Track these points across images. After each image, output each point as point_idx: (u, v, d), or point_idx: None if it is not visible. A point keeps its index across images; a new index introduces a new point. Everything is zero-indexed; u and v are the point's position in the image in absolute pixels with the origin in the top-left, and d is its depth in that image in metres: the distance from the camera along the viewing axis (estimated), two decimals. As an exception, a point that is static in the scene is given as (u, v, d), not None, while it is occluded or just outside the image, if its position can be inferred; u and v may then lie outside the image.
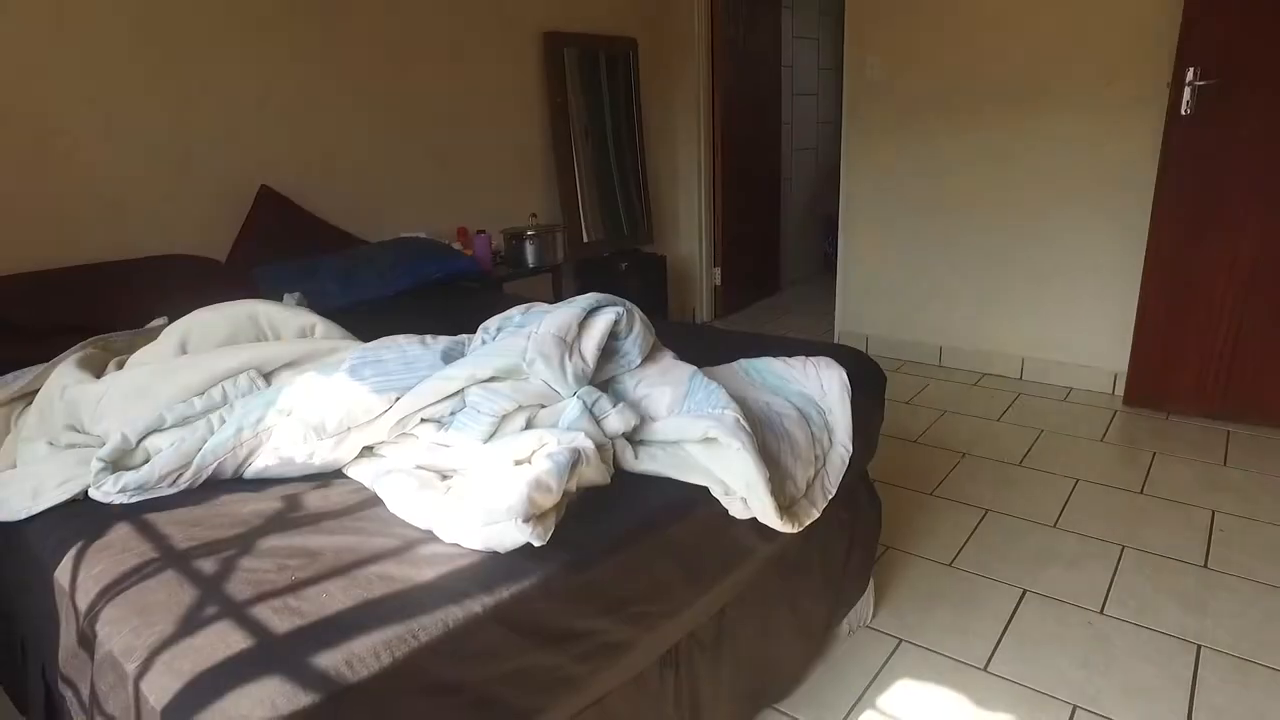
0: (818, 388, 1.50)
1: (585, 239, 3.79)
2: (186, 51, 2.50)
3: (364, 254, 2.67)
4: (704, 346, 1.92)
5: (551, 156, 3.65)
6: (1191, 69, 2.81)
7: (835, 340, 4.10)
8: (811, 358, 1.55)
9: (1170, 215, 2.96)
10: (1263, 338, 2.90)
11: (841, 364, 1.74)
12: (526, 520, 1.01)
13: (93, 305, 2.11)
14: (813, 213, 5.77)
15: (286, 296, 2.18)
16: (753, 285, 5.06)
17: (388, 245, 2.75)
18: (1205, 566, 2.12)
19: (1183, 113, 2.85)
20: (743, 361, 1.58)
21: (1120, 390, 3.32)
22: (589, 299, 1.32)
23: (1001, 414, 3.20)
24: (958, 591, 2.06)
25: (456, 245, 3.12)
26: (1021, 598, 2.02)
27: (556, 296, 3.35)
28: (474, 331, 1.42)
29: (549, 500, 1.05)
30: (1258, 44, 2.72)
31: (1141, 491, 2.54)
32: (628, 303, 1.36)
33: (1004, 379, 3.59)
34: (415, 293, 2.63)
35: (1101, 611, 1.96)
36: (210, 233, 2.63)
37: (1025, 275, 3.46)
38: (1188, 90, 2.83)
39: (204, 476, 1.24)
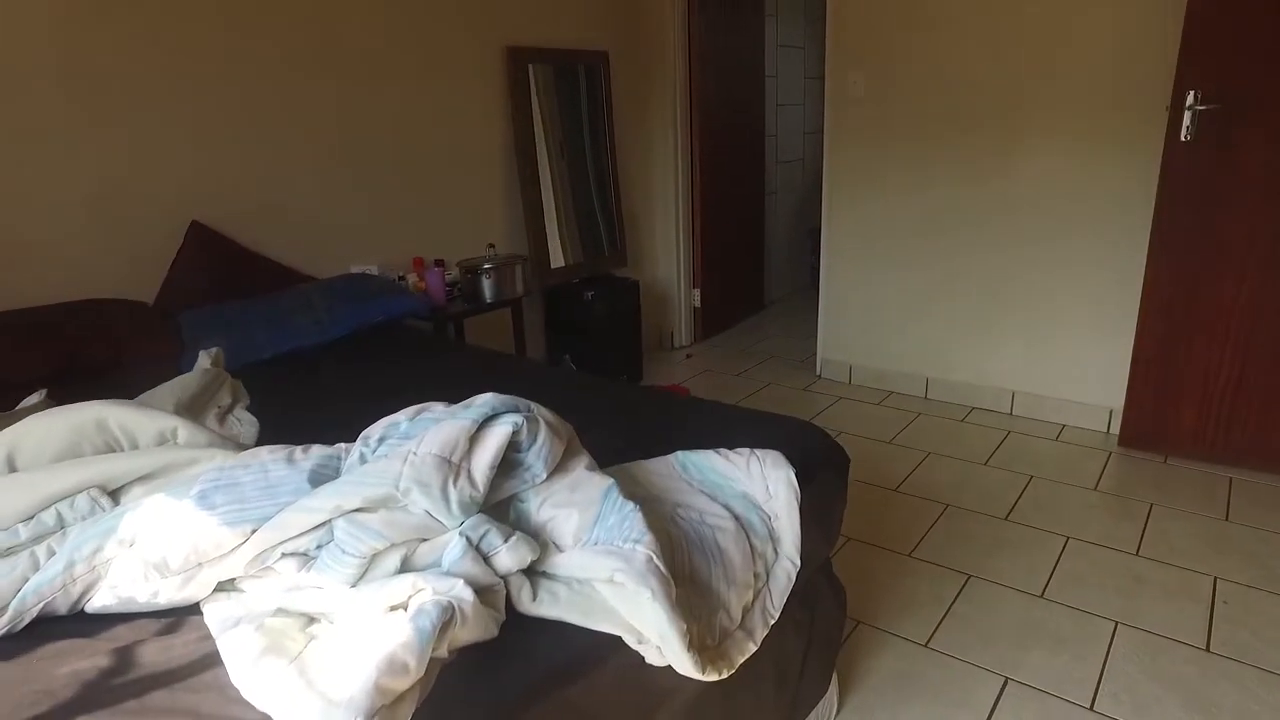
0: (763, 489, 1.31)
1: (553, 265, 3.60)
2: (108, 73, 2.31)
3: (301, 296, 2.48)
4: (646, 416, 1.73)
5: (516, 178, 3.45)
6: (1192, 92, 2.62)
7: (818, 371, 3.92)
8: (758, 452, 1.36)
9: (1169, 245, 2.77)
10: (1267, 377, 2.71)
11: (801, 443, 1.55)
12: (373, 716, 0.82)
13: (-16, 366, 1.92)
14: (799, 225, 5.58)
15: (202, 354, 1.98)
16: (735, 304, 4.87)
17: (327, 285, 2.56)
18: (1208, 650, 1.93)
19: (1183, 139, 2.66)
20: (680, 455, 1.39)
21: (1116, 429, 3.13)
22: (485, 403, 1.13)
23: (989, 456, 3.01)
24: (933, 679, 1.87)
25: (411, 277, 2.93)
26: (1003, 688, 1.84)
27: (517, 335, 3.16)
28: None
29: (405, 682, 0.86)
30: (1263, 67, 2.52)
31: (1137, 553, 2.35)
32: (533, 406, 1.17)
33: (994, 414, 3.40)
34: (356, 338, 2.44)
35: (1091, 707, 1.77)
36: (139, 273, 2.44)
37: (1017, 305, 3.27)
38: (1188, 115, 2.63)
39: (26, 620, 1.06)
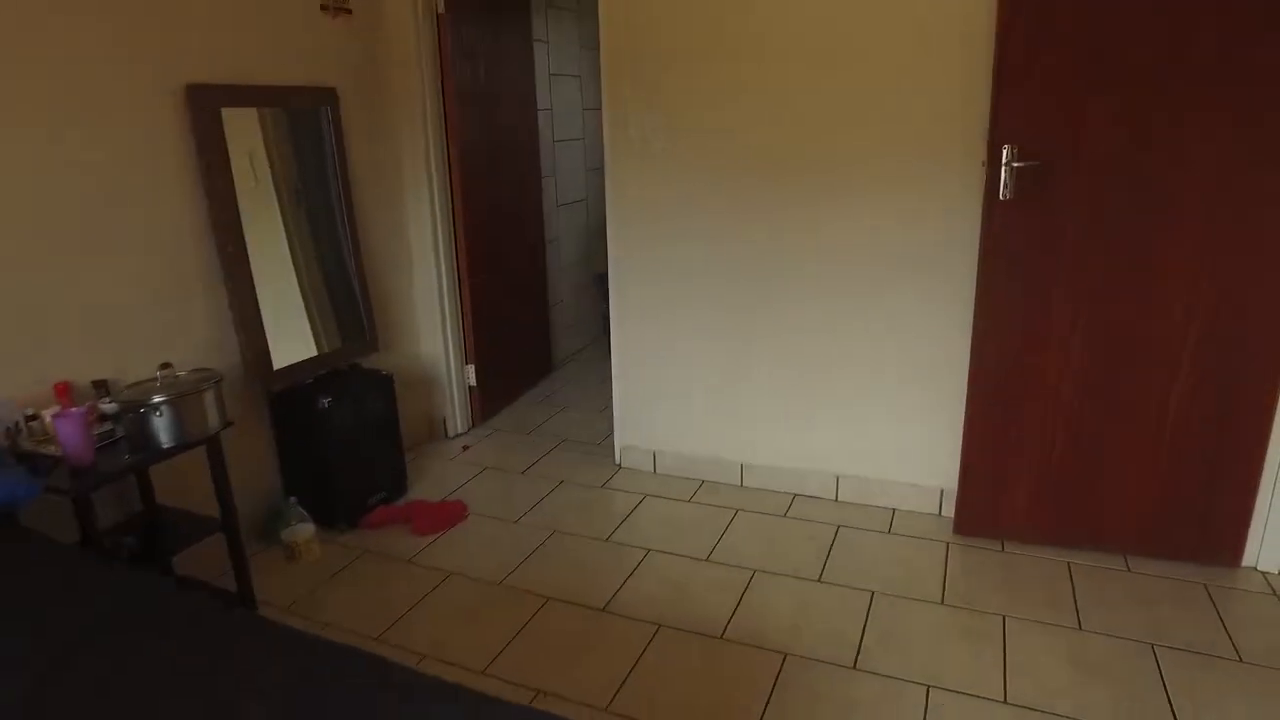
0: None
1: (278, 365, 2.79)
2: None
3: None
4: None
5: (216, 258, 2.62)
6: (1006, 148, 2.31)
7: (617, 459, 3.37)
8: None
9: (993, 311, 2.47)
10: (1096, 450, 2.47)
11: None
12: None
13: None
14: (586, 272, 5.04)
15: None
16: (519, 374, 4.24)
17: None
18: None
19: (1002, 197, 2.35)
20: None
21: (948, 510, 2.82)
22: None
23: (823, 567, 2.57)
24: None
25: (48, 414, 2.04)
26: None
27: (217, 482, 2.30)
28: None
29: None
30: (1078, 119, 2.25)
31: (1005, 699, 1.96)
32: None
33: (819, 503, 2.99)
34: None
35: None
36: None
37: (837, 377, 2.88)
38: (1004, 172, 2.32)
39: None
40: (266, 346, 2.76)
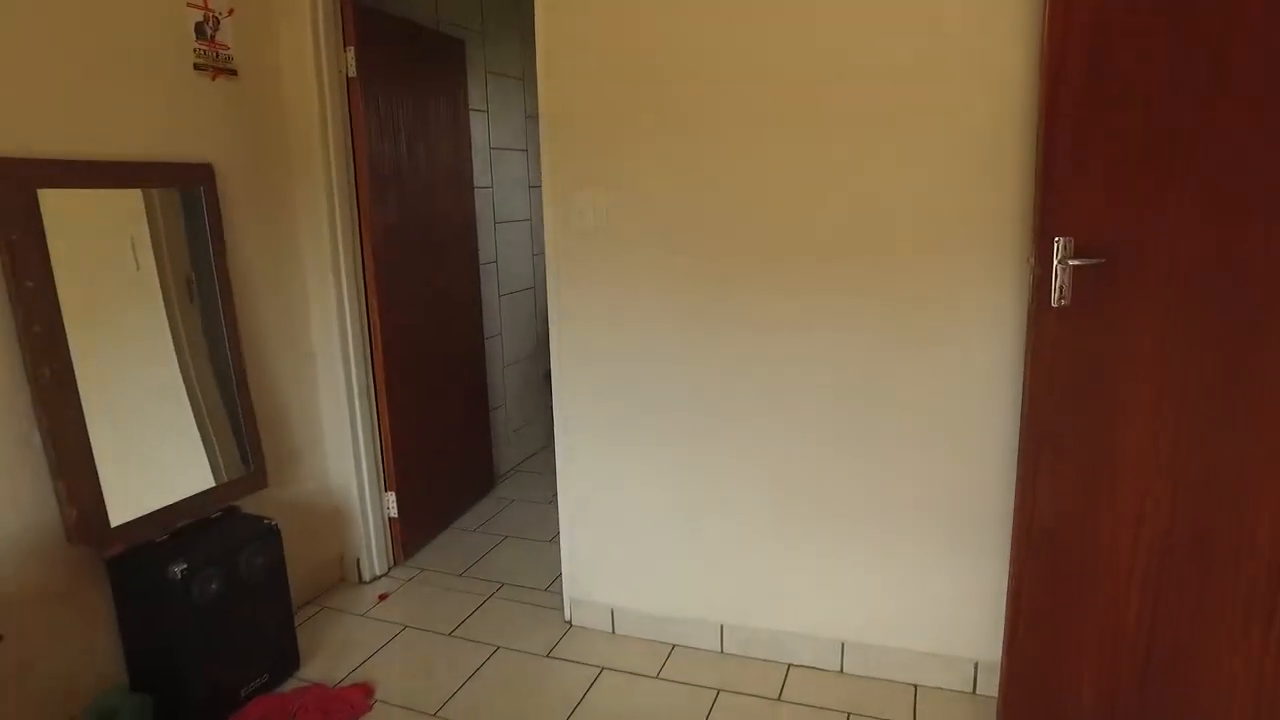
0: None
1: (116, 521, 2.12)
2: None
3: None
4: None
5: (23, 382, 1.97)
6: (1061, 241, 1.79)
7: (567, 616, 2.72)
8: None
9: (1044, 446, 1.91)
10: (1186, 632, 1.89)
11: None
12: None
13: None
14: (534, 369, 4.45)
15: None
16: (453, 496, 3.58)
17: None
18: None
19: (1054, 303, 1.82)
20: None
21: (985, 686, 2.21)
22: None
23: (836, 786, 1.94)
24: None
25: None
26: None
27: None
28: None
29: None
30: (1160, 205, 1.75)
31: None
32: None
33: (819, 676, 2.37)
34: None
35: None
36: None
37: (838, 516, 2.30)
38: (1058, 272, 1.80)
39: None
40: (101, 496, 2.09)
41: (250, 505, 2.52)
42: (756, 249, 2.20)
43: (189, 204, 2.37)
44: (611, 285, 2.38)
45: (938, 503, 2.17)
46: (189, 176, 2.34)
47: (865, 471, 2.22)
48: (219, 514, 2.40)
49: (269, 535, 2.37)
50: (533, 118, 4.27)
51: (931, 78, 1.95)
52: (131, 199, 2.23)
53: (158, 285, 2.32)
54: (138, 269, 2.33)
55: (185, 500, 2.31)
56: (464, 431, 3.64)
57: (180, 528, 2.28)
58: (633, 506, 2.51)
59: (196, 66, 2.38)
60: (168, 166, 2.29)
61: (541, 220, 4.36)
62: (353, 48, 2.77)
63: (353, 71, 2.78)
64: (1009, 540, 2.00)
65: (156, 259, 2.31)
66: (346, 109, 2.80)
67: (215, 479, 2.41)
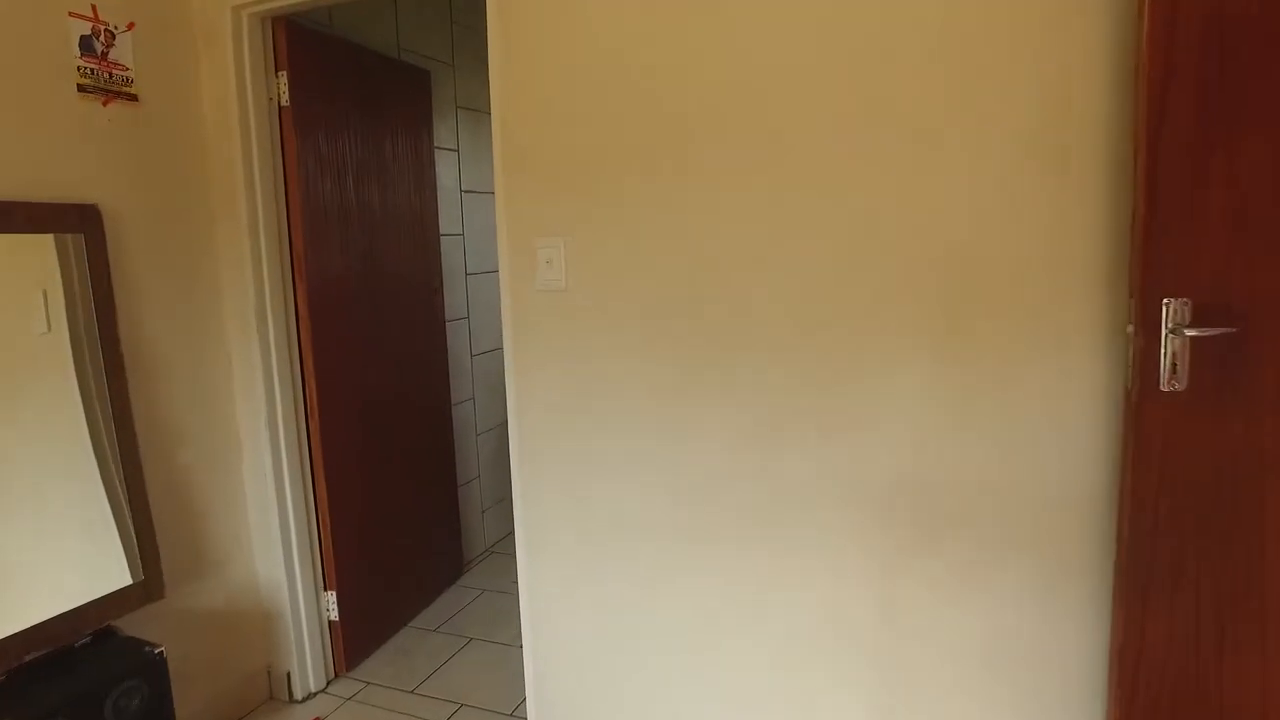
0: None
1: (-66, 659, 1.64)
2: None
3: None
4: None
5: None
6: (1171, 303, 1.34)
7: (533, 760, 2.20)
8: None
9: (1152, 583, 1.43)
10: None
11: None
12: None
13: None
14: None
15: None
16: (411, 590, 3.08)
17: None
18: None
19: (1165, 386, 1.36)
20: None
21: None
22: None
23: None
24: None
25: None
26: None
27: None
28: None
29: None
30: (1311, 257, 1.30)
31: None
32: None
33: None
34: None
35: None
36: None
37: (862, 646, 1.80)
38: (1171, 344, 1.34)
39: None
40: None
41: (140, 622, 2.03)
42: (769, 320, 1.74)
43: (71, 255, 1.93)
44: (579, 362, 1.92)
45: (1003, 653, 1.68)
46: (63, 220, 1.90)
47: (904, 609, 1.73)
48: (89, 639, 1.91)
49: (150, 667, 1.88)
50: (512, 158, 3.86)
51: (988, 88, 1.52)
52: (41, 247, 1.83)
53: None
54: (49, 330, 1.92)
55: (44, 624, 1.83)
56: (426, 514, 3.16)
57: (32, 660, 1.79)
58: (606, 626, 2.02)
59: (81, 89, 1.96)
60: (34, 208, 1.85)
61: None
62: (285, 72, 2.36)
63: (285, 99, 2.37)
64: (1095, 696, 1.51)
65: (69, 312, 1.91)
66: (278, 142, 2.37)
67: (89, 593, 1.93)
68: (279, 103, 2.37)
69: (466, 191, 3.54)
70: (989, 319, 1.56)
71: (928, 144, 1.56)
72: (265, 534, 2.46)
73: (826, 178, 1.64)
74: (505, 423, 3.88)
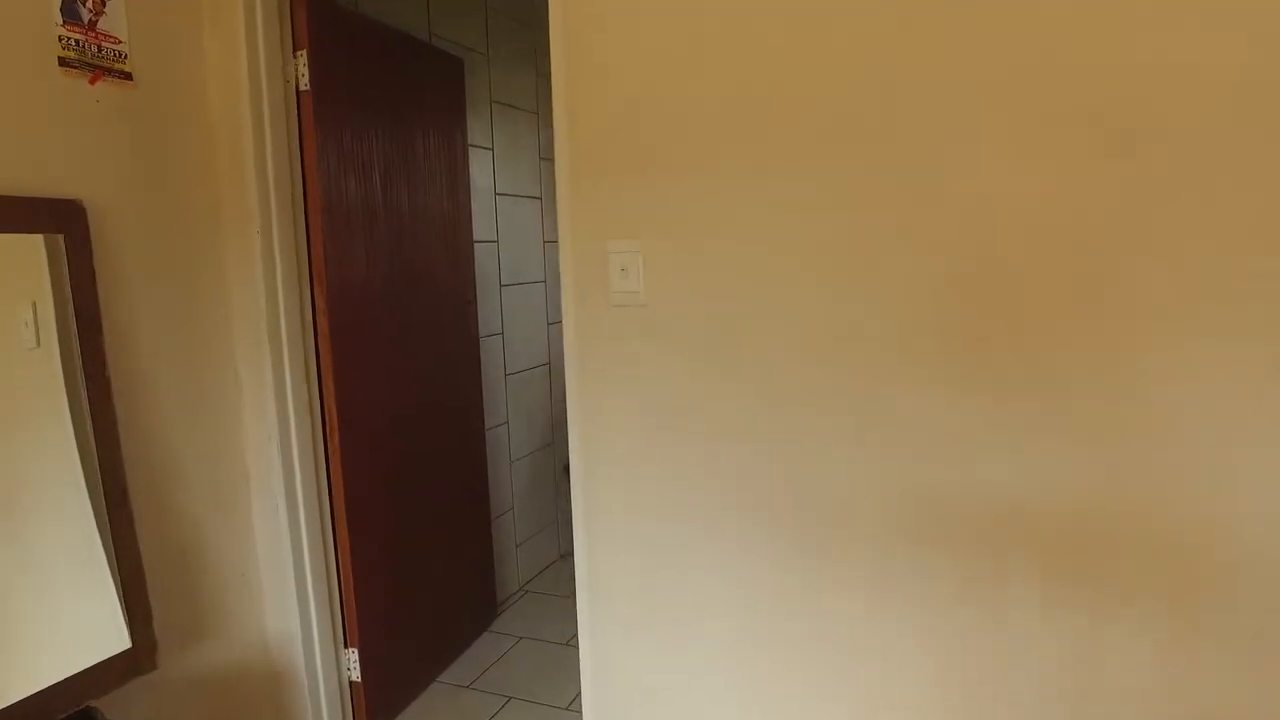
0: None
1: None
2: None
3: None
4: None
5: None
6: None
7: None
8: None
9: None
10: None
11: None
12: None
13: None
14: (551, 463, 3.64)
15: None
16: (439, 641, 2.74)
17: None
18: None
19: None
20: None
21: None
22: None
23: None
24: None
25: None
26: None
27: None
28: None
29: None
30: None
31: None
32: None
33: None
34: None
35: None
36: None
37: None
38: None
39: None
40: None
41: (127, 699, 1.70)
42: (923, 351, 1.39)
43: (50, 260, 1.62)
44: (664, 395, 1.57)
45: None
46: (36, 219, 1.59)
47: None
48: (65, 724, 1.57)
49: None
50: (548, 160, 3.55)
51: None
52: (28, 249, 1.52)
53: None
54: (38, 345, 1.61)
55: (8, 709, 1.50)
56: (457, 553, 2.82)
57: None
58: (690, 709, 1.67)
59: (64, 63, 1.65)
60: (6, 200, 1.54)
61: (558, 282, 3.62)
62: (304, 51, 2.05)
63: (305, 83, 2.06)
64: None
65: (59, 324, 1.60)
66: (296, 131, 2.06)
67: (63, 668, 1.59)
68: (297, 86, 2.07)
69: (501, 194, 3.23)
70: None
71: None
72: (277, 583, 2.13)
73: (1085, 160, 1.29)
74: (541, 449, 3.55)
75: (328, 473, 2.19)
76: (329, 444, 2.17)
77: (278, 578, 2.12)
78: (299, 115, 2.07)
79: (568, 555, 3.72)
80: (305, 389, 2.09)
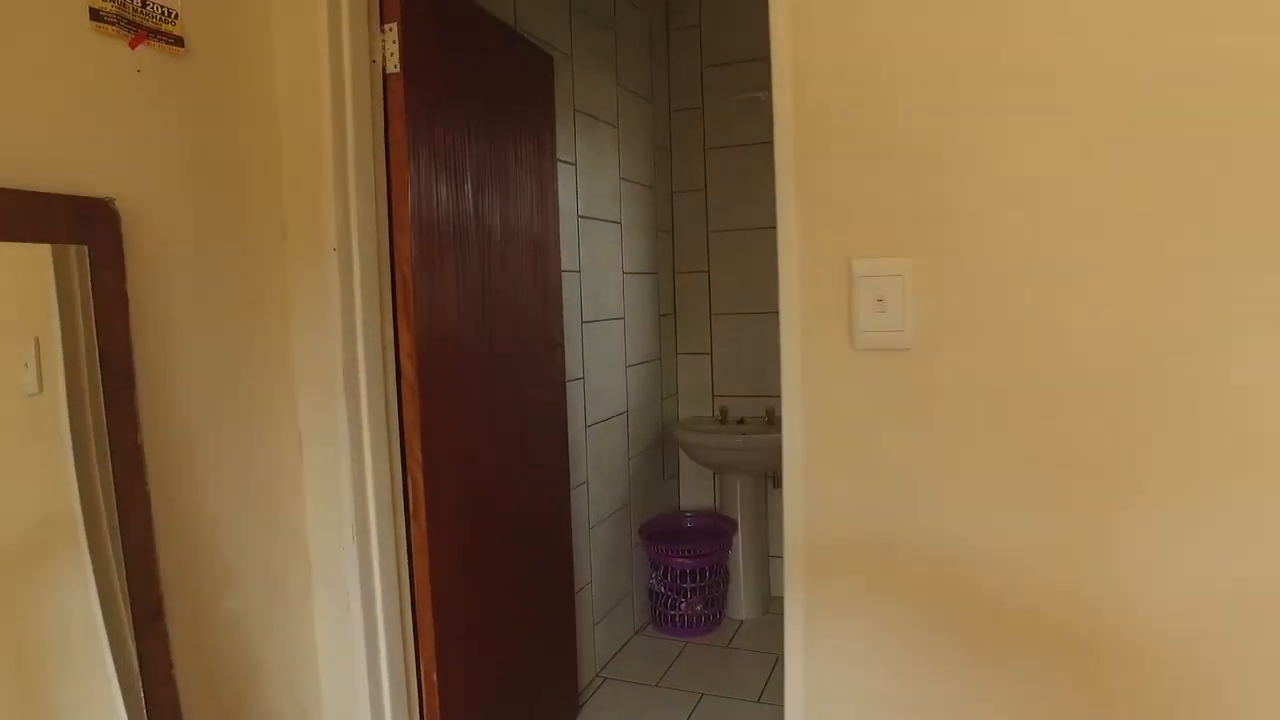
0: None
1: None
2: None
3: None
4: None
5: None
6: None
7: None
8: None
9: None
10: None
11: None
12: None
13: None
14: (628, 524, 3.15)
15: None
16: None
17: None
18: None
19: None
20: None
21: None
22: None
23: None
24: None
25: None
26: None
27: None
28: None
29: None
30: None
31: None
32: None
33: None
34: None
35: None
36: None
37: None
38: None
39: None
40: None
41: None
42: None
43: (73, 267, 1.16)
44: (940, 489, 1.10)
45: None
46: (43, 221, 1.13)
47: None
48: None
49: None
50: (628, 180, 3.11)
51: None
52: (34, 260, 1.07)
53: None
54: (40, 390, 1.16)
55: None
56: (538, 640, 2.32)
57: None
58: None
59: (97, 16, 1.22)
60: (36, 198, 1.09)
61: (637, 319, 3.17)
62: (395, 25, 1.62)
63: (394, 64, 1.62)
64: None
65: (66, 340, 1.14)
66: (381, 122, 1.62)
67: None
68: (384, 68, 1.63)
69: (584, 218, 2.79)
70: None
71: None
72: (345, 702, 1.64)
73: None
74: (619, 510, 3.07)
75: (410, 557, 1.71)
76: (411, 525, 1.70)
77: (345, 693, 1.64)
78: (386, 102, 1.63)
79: (641, 631, 3.23)
80: (387, 457, 1.62)
